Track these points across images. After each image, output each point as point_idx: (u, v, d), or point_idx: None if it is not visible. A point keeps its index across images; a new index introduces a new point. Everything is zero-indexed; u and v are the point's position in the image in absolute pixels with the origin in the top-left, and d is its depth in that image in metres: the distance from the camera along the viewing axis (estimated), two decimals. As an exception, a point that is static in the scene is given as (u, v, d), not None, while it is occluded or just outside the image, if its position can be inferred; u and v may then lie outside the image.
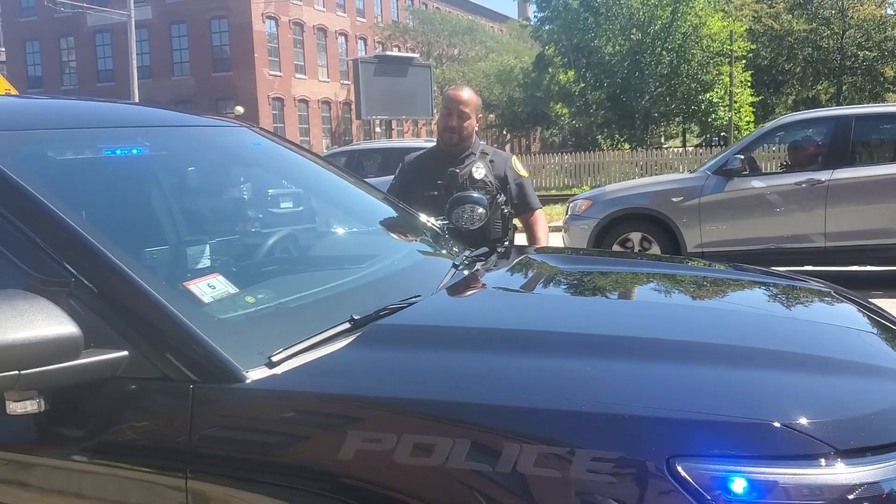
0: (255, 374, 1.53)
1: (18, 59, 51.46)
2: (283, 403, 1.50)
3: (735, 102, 32.09)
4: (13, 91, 16.87)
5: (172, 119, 2.64)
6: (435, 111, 25.14)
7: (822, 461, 1.32)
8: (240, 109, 37.57)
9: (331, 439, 1.44)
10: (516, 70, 42.89)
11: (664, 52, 33.14)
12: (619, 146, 31.38)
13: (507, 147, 55.46)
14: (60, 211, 1.65)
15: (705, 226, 8.09)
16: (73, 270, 1.58)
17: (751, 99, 34.07)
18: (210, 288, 1.75)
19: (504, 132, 47.20)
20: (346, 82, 54.38)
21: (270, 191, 2.79)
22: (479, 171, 3.62)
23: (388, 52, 33.77)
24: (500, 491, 1.34)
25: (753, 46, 34.90)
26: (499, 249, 2.88)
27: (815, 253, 7.76)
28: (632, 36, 33.42)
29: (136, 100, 22.62)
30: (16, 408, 1.46)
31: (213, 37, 47.34)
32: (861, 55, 39.75)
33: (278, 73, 48.42)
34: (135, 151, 2.26)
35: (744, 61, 33.78)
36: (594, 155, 26.10)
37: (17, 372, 1.42)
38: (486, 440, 1.38)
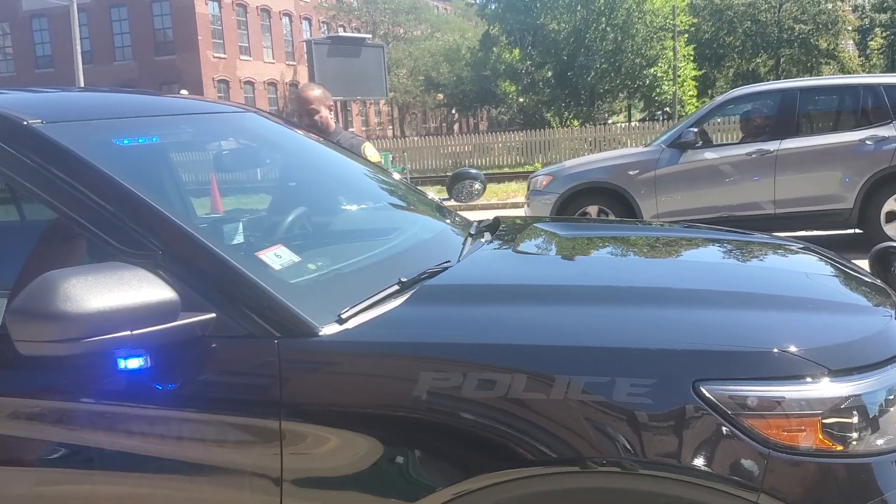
0: (329, 330, 1.75)
1: (-51, 45, 49.88)
2: (359, 352, 1.73)
3: (678, 77, 32.74)
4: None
5: (198, 107, 2.82)
6: (389, 92, 25.38)
7: (820, 379, 1.62)
8: (185, 92, 36.98)
9: (404, 380, 1.67)
10: (463, 49, 42.98)
11: (608, 29, 33.60)
12: (568, 123, 31.82)
13: (456, 126, 55.59)
14: (140, 192, 1.85)
15: (661, 197, 8.41)
16: (158, 245, 1.78)
17: (693, 73, 34.79)
18: (277, 257, 1.97)
19: (452, 111, 47.33)
20: (291, 63, 53.88)
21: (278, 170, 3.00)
22: None
23: (341, 34, 33.62)
24: (554, 416, 1.60)
25: (695, 20, 35.64)
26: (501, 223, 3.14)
27: (766, 219, 8.12)
28: (576, 12, 33.81)
29: (82, 86, 22.18)
30: (126, 364, 1.67)
31: (155, 20, 46.48)
32: (797, 28, 40.94)
33: (223, 56, 47.75)
34: (175, 138, 2.45)
35: (686, 35, 34.43)
36: (544, 132, 26.49)
37: (129, 332, 1.63)
38: (540, 375, 1.64)
